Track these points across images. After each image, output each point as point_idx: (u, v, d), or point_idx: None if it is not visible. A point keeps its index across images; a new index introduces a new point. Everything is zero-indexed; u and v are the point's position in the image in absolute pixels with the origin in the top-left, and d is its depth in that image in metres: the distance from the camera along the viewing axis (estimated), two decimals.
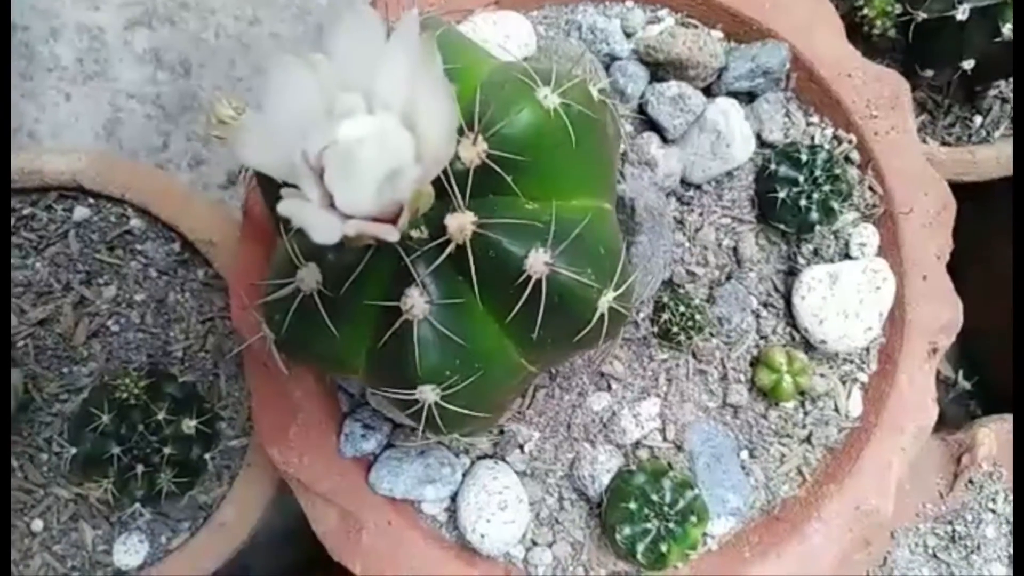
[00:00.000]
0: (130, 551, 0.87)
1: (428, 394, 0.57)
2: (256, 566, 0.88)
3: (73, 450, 0.79)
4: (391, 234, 0.40)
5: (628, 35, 0.82)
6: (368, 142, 0.38)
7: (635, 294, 0.65)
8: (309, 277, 0.57)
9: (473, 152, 0.54)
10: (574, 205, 0.59)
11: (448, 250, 0.53)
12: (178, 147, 1.18)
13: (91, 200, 0.88)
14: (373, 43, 0.38)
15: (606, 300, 0.58)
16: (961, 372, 1.21)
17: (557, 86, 0.57)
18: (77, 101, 1.17)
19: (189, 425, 0.81)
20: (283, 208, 0.41)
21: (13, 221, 0.88)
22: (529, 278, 0.54)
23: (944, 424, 0.90)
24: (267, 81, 0.39)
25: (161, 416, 0.80)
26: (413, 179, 0.40)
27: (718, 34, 0.83)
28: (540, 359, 0.62)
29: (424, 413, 0.58)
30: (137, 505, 0.81)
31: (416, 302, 0.55)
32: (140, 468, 0.79)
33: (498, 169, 0.54)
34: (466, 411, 0.59)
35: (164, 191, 0.88)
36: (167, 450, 0.80)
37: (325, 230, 0.40)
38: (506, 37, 0.77)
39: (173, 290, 0.89)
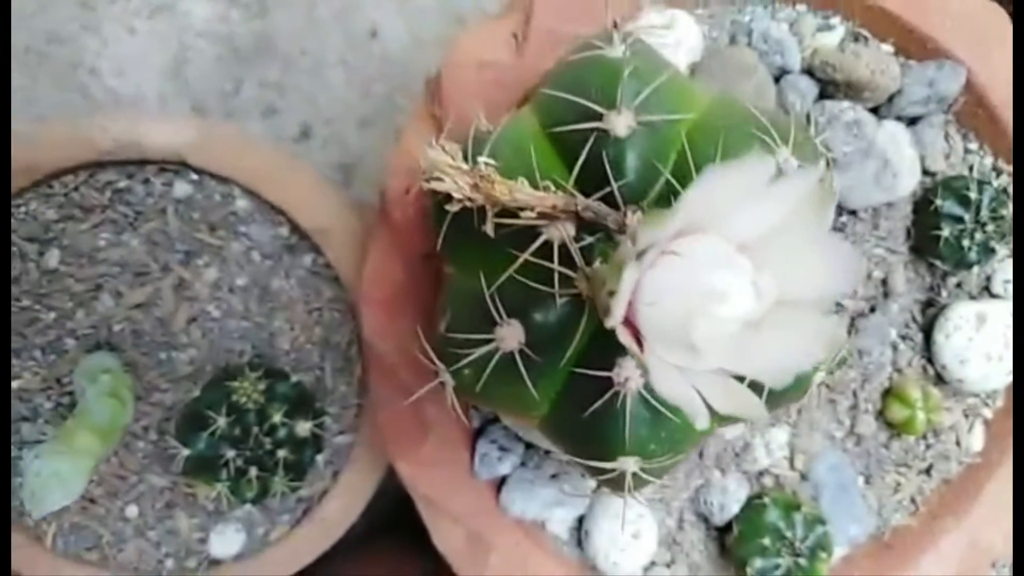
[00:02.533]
0: (227, 541, 0.85)
1: (630, 465, 0.54)
2: None
3: (185, 451, 0.75)
4: (762, 414, 0.37)
5: (797, 42, 0.76)
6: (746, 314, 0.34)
7: None
8: (512, 337, 0.53)
9: None
10: None
11: None
12: (250, 94, 1.10)
13: (194, 176, 0.81)
14: (752, 188, 0.33)
15: (820, 376, 0.55)
16: None
17: (796, 147, 0.53)
18: (142, 36, 1.07)
19: (305, 428, 0.78)
20: (664, 389, 0.36)
21: (108, 194, 0.81)
22: None
23: None
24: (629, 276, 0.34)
25: (277, 419, 0.76)
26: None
27: (888, 48, 0.77)
28: (734, 424, 0.60)
29: (620, 481, 0.55)
30: (244, 507, 0.78)
31: (632, 375, 0.51)
32: (254, 471, 0.76)
33: None
34: (656, 478, 0.56)
35: (274, 172, 0.81)
36: (282, 453, 0.77)
37: (703, 417, 0.36)
38: (678, 43, 0.71)
39: (278, 276, 0.84)
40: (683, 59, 0.72)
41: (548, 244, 0.51)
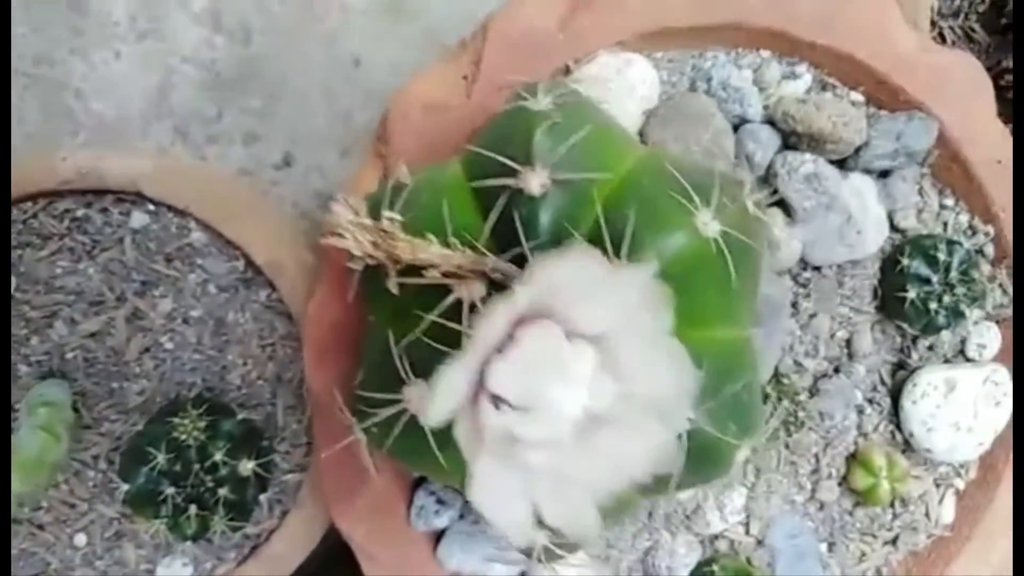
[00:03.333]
0: (173, 574, 0.84)
1: (540, 538, 0.52)
2: None
3: (125, 487, 0.74)
4: (590, 538, 0.34)
5: (760, 89, 0.73)
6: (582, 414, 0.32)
7: None
8: (418, 397, 0.51)
9: None
10: (718, 338, 0.53)
11: None
12: (232, 119, 1.10)
13: (151, 206, 0.81)
14: (589, 280, 0.31)
15: (744, 454, 0.52)
16: None
17: (718, 210, 0.50)
18: (128, 60, 1.08)
19: (247, 467, 0.76)
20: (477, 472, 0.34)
21: (66, 223, 0.81)
22: None
23: None
24: (472, 341, 0.32)
25: (219, 457, 0.75)
26: None
27: (858, 96, 0.74)
28: (655, 497, 0.57)
29: (531, 550, 0.53)
30: (188, 543, 0.77)
31: None
32: (194, 509, 0.75)
33: None
34: (569, 553, 0.54)
35: (231, 205, 0.81)
36: (223, 492, 0.76)
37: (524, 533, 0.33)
38: (631, 89, 0.69)
39: (233, 309, 0.83)
40: (637, 106, 0.70)
41: (459, 303, 0.49)
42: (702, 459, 0.50)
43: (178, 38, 1.09)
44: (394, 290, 0.49)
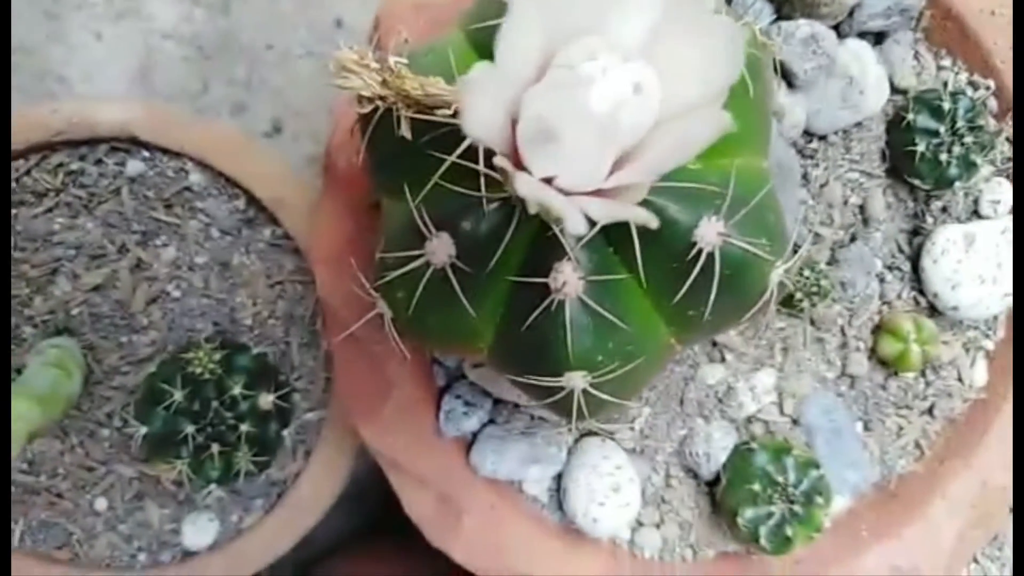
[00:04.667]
0: (200, 531, 0.82)
1: (577, 381, 0.50)
2: (317, 531, 0.83)
3: (143, 429, 0.72)
4: (652, 220, 0.33)
5: None
6: (624, 109, 0.31)
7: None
8: (441, 250, 0.50)
9: None
10: (739, 164, 0.52)
11: None
12: (218, 92, 1.09)
13: (146, 153, 0.80)
14: None
15: (778, 273, 0.51)
16: None
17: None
18: (108, 42, 1.08)
19: (267, 400, 0.75)
20: (527, 192, 0.33)
21: (60, 177, 0.79)
22: (700, 251, 0.48)
23: None
24: (504, 24, 0.31)
25: (237, 391, 0.73)
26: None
27: None
28: (692, 338, 0.56)
29: (570, 401, 0.51)
30: (212, 486, 0.75)
31: (570, 279, 0.48)
32: (216, 447, 0.73)
33: None
34: (612, 398, 0.52)
35: (226, 144, 0.80)
36: (244, 427, 0.74)
37: (577, 220, 0.32)
38: None
39: (238, 251, 0.82)
40: None
41: (473, 146, 0.48)
42: (738, 278, 0.49)
43: (157, 15, 1.08)
44: (407, 134, 0.48)
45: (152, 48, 1.09)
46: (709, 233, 0.47)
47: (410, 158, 0.50)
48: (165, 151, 0.80)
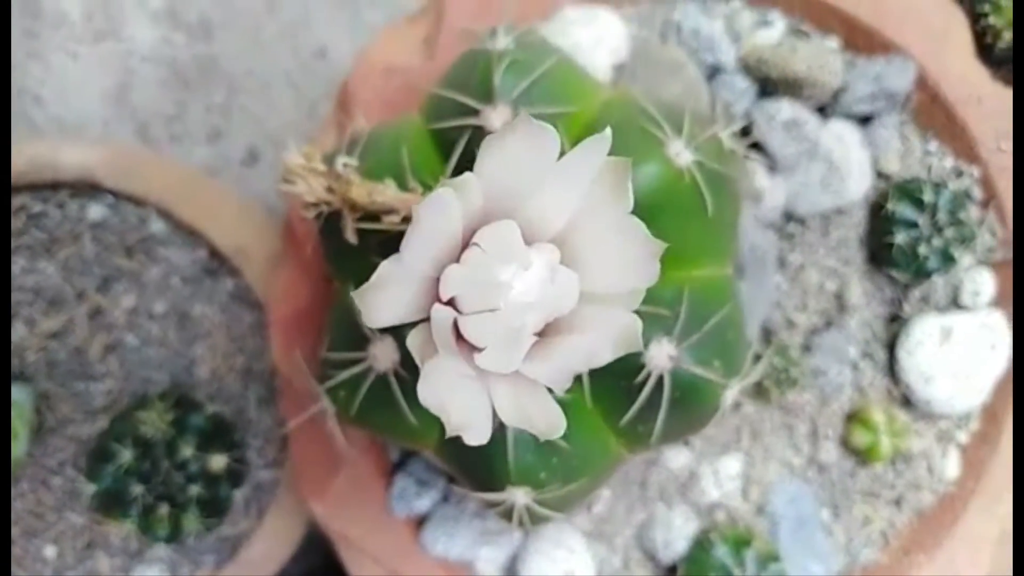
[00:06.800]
0: None
1: (519, 497, 0.49)
2: None
3: (92, 487, 0.71)
4: (555, 432, 0.31)
5: (733, 40, 0.71)
6: (537, 306, 0.29)
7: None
8: (384, 355, 0.48)
9: None
10: (698, 277, 0.50)
11: None
12: (195, 118, 1.07)
13: (109, 199, 0.78)
14: (540, 161, 0.29)
15: (732, 393, 0.49)
16: None
17: (691, 139, 0.48)
18: (85, 62, 1.06)
19: (219, 462, 0.73)
20: (426, 402, 0.32)
21: (23, 220, 0.78)
22: (650, 373, 0.46)
23: None
24: (415, 223, 0.29)
25: (188, 453, 0.72)
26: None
27: (833, 43, 0.72)
28: (644, 449, 0.54)
29: (512, 513, 0.50)
30: (163, 547, 0.73)
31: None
32: (165, 508, 0.72)
33: None
34: (556, 512, 0.51)
35: (190, 191, 0.78)
36: (194, 489, 0.72)
37: (480, 430, 0.31)
38: (597, 41, 0.67)
39: (199, 302, 0.80)
40: (604, 59, 0.67)
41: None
42: (687, 401, 0.47)
43: (136, 37, 1.06)
44: (352, 239, 0.46)
45: (130, 70, 1.06)
46: (659, 356, 0.46)
47: (357, 260, 0.48)
48: (128, 197, 0.78)
